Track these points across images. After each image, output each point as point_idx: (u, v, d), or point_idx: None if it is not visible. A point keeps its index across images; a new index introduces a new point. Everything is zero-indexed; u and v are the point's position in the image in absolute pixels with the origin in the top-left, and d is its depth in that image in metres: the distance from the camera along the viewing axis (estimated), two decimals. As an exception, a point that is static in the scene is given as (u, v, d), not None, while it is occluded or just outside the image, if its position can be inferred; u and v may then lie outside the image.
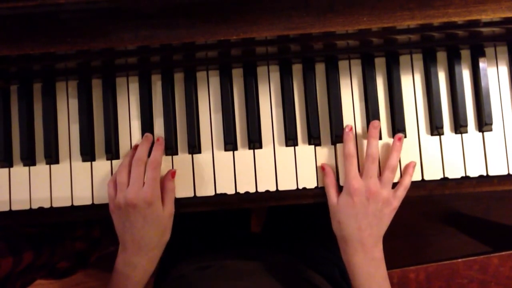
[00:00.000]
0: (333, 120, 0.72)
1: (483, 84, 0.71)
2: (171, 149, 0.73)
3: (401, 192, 0.68)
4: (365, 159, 0.67)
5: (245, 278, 0.74)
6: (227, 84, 0.73)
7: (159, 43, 0.65)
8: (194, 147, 0.73)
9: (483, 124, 0.70)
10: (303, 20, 0.64)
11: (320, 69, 0.74)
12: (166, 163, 0.72)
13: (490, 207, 1.49)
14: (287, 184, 0.72)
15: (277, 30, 0.64)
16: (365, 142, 0.71)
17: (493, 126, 0.71)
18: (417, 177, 0.71)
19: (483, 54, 0.72)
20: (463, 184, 0.72)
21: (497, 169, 0.71)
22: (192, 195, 0.72)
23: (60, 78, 0.75)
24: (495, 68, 0.72)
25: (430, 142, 0.72)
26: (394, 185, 0.68)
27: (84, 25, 0.64)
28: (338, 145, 0.72)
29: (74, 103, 0.75)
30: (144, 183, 0.67)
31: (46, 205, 0.73)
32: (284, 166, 0.72)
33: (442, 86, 0.73)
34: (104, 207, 0.71)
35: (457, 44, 0.72)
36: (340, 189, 0.70)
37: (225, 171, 0.72)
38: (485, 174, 0.71)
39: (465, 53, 0.73)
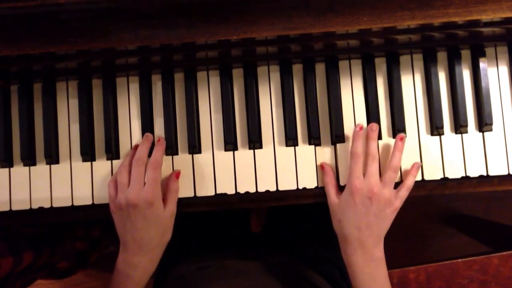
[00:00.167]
0: (333, 120, 0.72)
1: (483, 84, 0.71)
2: (171, 149, 0.73)
3: (404, 192, 0.68)
4: (366, 158, 0.68)
5: (245, 277, 0.74)
6: (228, 84, 0.73)
7: (159, 43, 0.65)
8: (194, 147, 0.73)
9: (483, 124, 0.70)
10: (303, 20, 0.64)
11: (320, 69, 0.74)
12: (166, 163, 0.72)
13: (490, 207, 1.49)
14: (287, 184, 0.72)
15: (277, 30, 0.64)
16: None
17: (493, 126, 0.71)
18: (417, 177, 0.71)
19: (483, 54, 0.72)
20: (463, 184, 0.72)
21: (497, 169, 0.71)
22: (192, 195, 0.72)
23: (61, 78, 0.75)
24: (496, 68, 0.72)
25: (430, 142, 0.72)
26: (396, 185, 0.68)
27: (84, 25, 0.64)
28: (338, 145, 0.72)
29: (74, 103, 0.75)
30: (145, 183, 0.67)
31: (46, 205, 0.73)
32: (284, 166, 0.72)
33: (442, 86, 0.73)
34: (104, 207, 0.71)
35: (457, 44, 0.72)
36: (339, 188, 0.70)
37: (225, 171, 0.72)
38: (485, 174, 0.71)
39: (466, 53, 0.73)
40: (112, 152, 0.73)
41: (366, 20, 0.63)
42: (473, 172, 0.71)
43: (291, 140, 0.72)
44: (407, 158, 0.71)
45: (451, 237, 1.51)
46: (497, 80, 0.72)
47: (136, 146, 0.71)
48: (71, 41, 0.64)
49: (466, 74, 0.72)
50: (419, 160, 0.71)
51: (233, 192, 0.72)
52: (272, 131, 0.73)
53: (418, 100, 0.73)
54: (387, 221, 0.67)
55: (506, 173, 0.71)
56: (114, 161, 0.73)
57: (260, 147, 0.73)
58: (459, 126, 0.71)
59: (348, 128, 0.72)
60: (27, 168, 0.74)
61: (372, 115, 0.72)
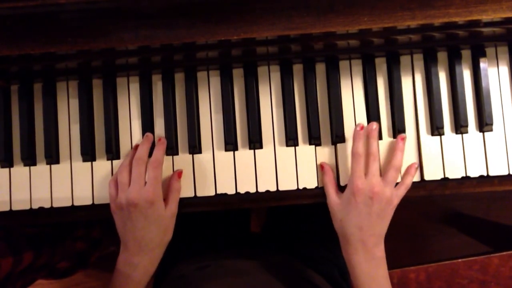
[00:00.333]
0: (333, 120, 0.72)
1: (483, 84, 0.71)
2: (171, 149, 0.73)
3: (402, 191, 0.68)
4: (366, 157, 0.68)
5: (244, 277, 0.74)
6: (228, 84, 0.73)
7: (159, 43, 0.65)
8: (195, 147, 0.73)
9: (484, 124, 0.70)
10: (303, 20, 0.64)
11: (320, 69, 0.74)
12: (166, 163, 0.72)
13: (491, 207, 1.49)
14: (287, 184, 0.72)
15: (278, 30, 0.64)
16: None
17: (494, 126, 0.71)
18: (417, 177, 0.71)
19: (483, 54, 0.72)
20: (464, 184, 0.72)
21: (498, 169, 0.71)
22: (193, 195, 0.72)
23: (61, 78, 0.75)
24: (496, 68, 0.72)
25: (431, 142, 0.72)
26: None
27: (84, 25, 0.64)
28: (338, 145, 0.72)
29: (74, 103, 0.75)
30: (145, 182, 0.67)
31: (47, 205, 0.73)
32: (284, 166, 0.72)
33: (443, 86, 0.73)
34: (104, 207, 0.71)
35: (457, 44, 0.72)
36: (339, 188, 0.70)
37: (225, 171, 0.72)
38: (485, 174, 0.71)
39: (466, 53, 0.73)
40: (113, 152, 0.73)
41: (366, 20, 0.63)
42: (474, 172, 0.71)
43: (291, 140, 0.72)
44: (407, 158, 0.71)
45: (451, 237, 1.51)
46: (498, 80, 0.72)
47: (137, 146, 0.71)
48: (71, 41, 0.64)
49: (466, 74, 0.72)
50: (419, 160, 0.71)
51: (233, 192, 0.72)
52: (272, 131, 0.73)
53: (418, 100, 0.73)
54: (387, 220, 0.67)
55: (506, 173, 0.71)
56: (115, 161, 0.73)
57: (261, 147, 0.73)
58: (460, 126, 0.71)
59: (349, 128, 0.72)
60: (27, 168, 0.74)
61: (372, 115, 0.72)
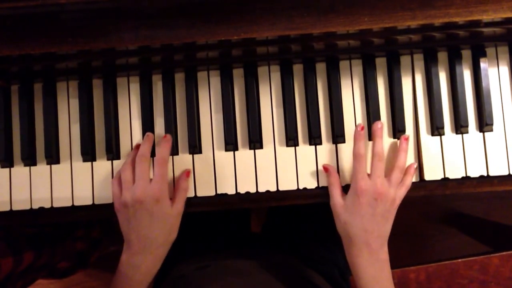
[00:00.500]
0: (334, 120, 0.72)
1: (484, 84, 0.71)
2: (171, 149, 0.72)
3: (403, 192, 0.68)
4: (372, 158, 0.67)
5: (245, 277, 0.74)
6: (228, 84, 0.73)
7: (159, 43, 0.65)
8: (195, 147, 0.73)
9: (484, 124, 0.70)
10: (304, 20, 0.64)
11: (321, 69, 0.74)
12: (166, 163, 0.72)
13: (491, 207, 1.49)
14: (287, 184, 0.72)
15: (278, 30, 0.64)
16: (366, 142, 0.71)
17: (494, 126, 0.71)
18: (417, 177, 0.71)
19: (484, 54, 0.72)
20: (464, 184, 0.72)
21: (498, 169, 0.71)
22: (193, 195, 0.72)
23: (61, 78, 0.75)
24: (496, 68, 0.72)
25: (431, 142, 0.72)
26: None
27: (84, 25, 0.64)
28: (339, 145, 0.72)
29: (75, 103, 0.75)
30: (150, 180, 0.67)
31: (47, 205, 0.73)
32: (284, 166, 0.72)
33: (443, 86, 0.73)
34: (105, 207, 0.72)
35: (458, 44, 0.72)
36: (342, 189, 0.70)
37: (225, 171, 0.72)
38: (485, 174, 0.71)
39: (466, 53, 0.73)
40: (113, 152, 0.73)
41: (366, 20, 0.63)
42: (474, 172, 0.71)
43: (291, 140, 0.72)
44: (407, 158, 0.71)
45: (451, 237, 1.51)
46: (498, 80, 0.72)
47: (138, 146, 0.71)
48: (71, 41, 0.64)
49: (466, 74, 0.72)
50: (419, 160, 0.71)
51: (233, 192, 0.72)
52: (272, 131, 0.73)
53: (418, 100, 0.73)
54: (391, 221, 0.67)
55: (506, 173, 0.71)
56: (115, 161, 0.73)
57: (261, 147, 0.73)
58: (460, 126, 0.71)
59: (349, 128, 0.72)
60: (27, 168, 0.74)
61: (373, 115, 0.72)
